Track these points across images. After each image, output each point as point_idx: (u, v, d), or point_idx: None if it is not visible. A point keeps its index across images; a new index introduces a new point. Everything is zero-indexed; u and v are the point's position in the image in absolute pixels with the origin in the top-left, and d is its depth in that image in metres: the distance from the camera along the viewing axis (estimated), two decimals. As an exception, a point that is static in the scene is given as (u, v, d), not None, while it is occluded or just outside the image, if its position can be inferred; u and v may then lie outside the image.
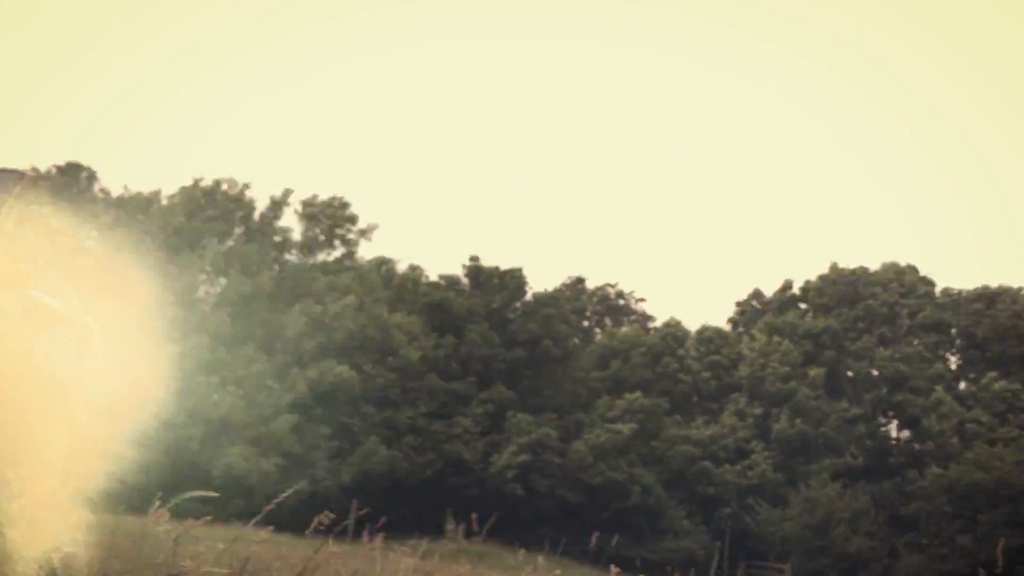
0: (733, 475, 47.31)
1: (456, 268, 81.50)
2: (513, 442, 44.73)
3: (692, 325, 57.18)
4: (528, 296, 52.45)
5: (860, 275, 56.53)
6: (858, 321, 55.13)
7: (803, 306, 58.05)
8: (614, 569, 5.97)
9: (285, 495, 3.19)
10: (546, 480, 44.88)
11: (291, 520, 5.75)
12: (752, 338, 53.65)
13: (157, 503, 3.64)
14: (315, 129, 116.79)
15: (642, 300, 71.27)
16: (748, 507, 46.87)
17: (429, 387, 45.38)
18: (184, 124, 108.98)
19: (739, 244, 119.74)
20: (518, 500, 44.17)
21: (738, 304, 61.00)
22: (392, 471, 42.06)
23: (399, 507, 41.81)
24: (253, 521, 3.42)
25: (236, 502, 40.28)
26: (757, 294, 60.31)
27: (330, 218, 48.41)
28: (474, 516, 5.21)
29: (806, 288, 58.28)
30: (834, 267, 57.67)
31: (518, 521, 42.49)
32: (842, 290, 56.25)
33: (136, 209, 46.12)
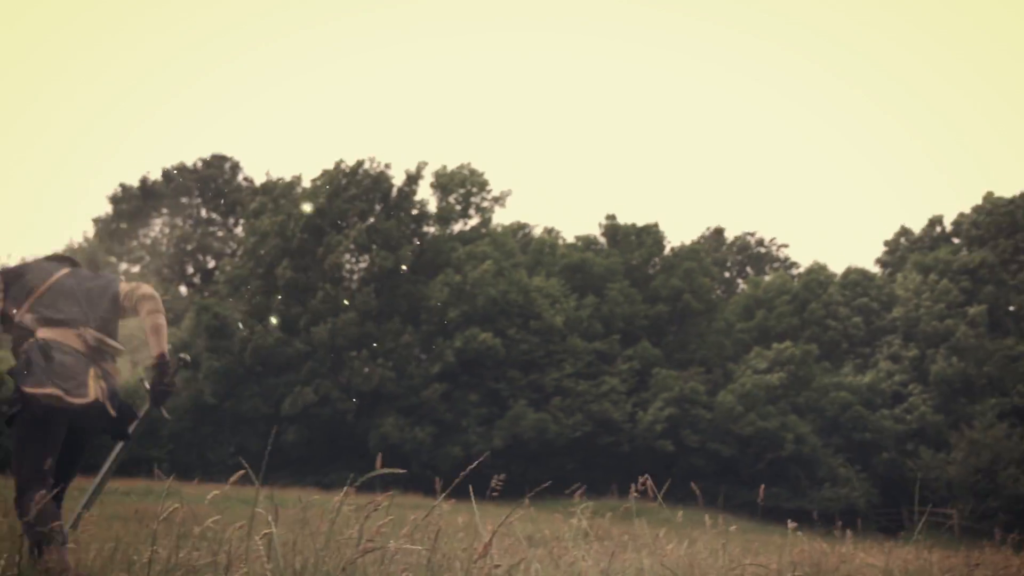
0: (890, 420, 45.89)
1: (592, 228, 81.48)
2: (659, 398, 44.55)
3: (837, 268, 55.70)
4: (667, 251, 51.96)
5: (1019, 203, 53.58)
6: (1018, 253, 52.40)
7: (956, 241, 55.62)
8: (791, 524, 5.87)
9: (472, 466, 3.31)
10: (696, 434, 44.57)
11: (445, 487, 5.89)
12: (905, 277, 51.75)
13: (349, 479, 3.84)
14: (443, 101, 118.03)
15: (784, 246, 69.85)
16: (908, 452, 45.45)
17: (573, 348, 45.57)
18: (316, 112, 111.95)
19: (880, 181, 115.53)
20: (669, 456, 44.04)
21: (886, 243, 58.96)
22: (542, 433, 42.53)
23: (551, 468, 42.34)
24: (444, 493, 3.56)
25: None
26: (905, 232, 58.12)
27: (462, 186, 48.99)
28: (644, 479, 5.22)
29: (959, 221, 55.73)
30: (989, 197, 54.88)
31: (670, 477, 42.40)
32: (999, 221, 53.49)
33: (280, 194, 47.69)
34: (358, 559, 2.89)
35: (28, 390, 4.54)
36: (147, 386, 5.05)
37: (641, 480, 4.98)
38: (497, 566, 3.12)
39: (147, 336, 4.94)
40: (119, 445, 5.38)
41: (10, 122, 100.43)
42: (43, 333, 4.71)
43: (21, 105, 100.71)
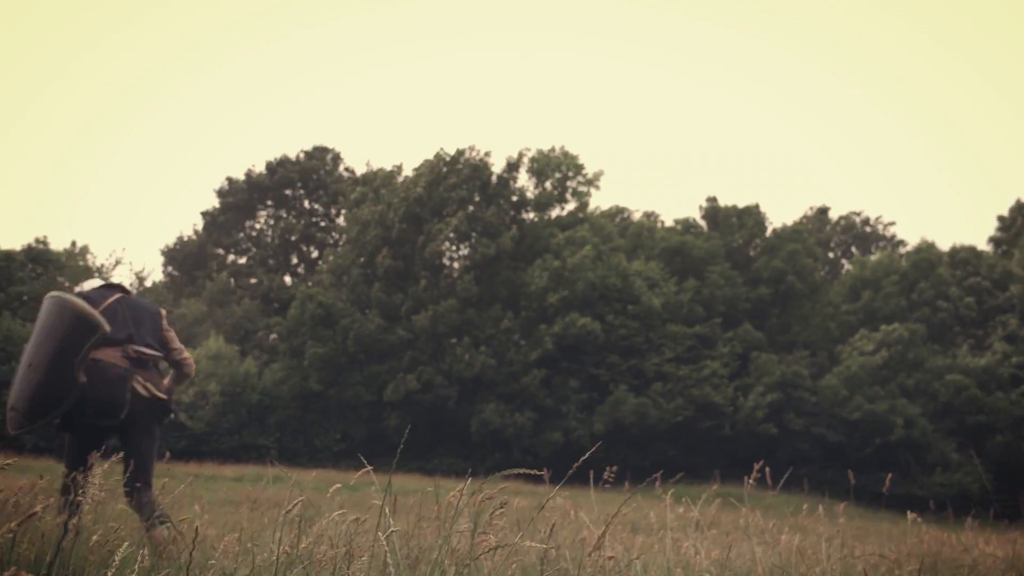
0: (1006, 403, 44.20)
1: (692, 211, 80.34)
2: (761, 383, 43.84)
3: (947, 247, 53.89)
4: (769, 232, 51.00)
5: None
6: None
7: (1074, 215, 53.13)
8: (911, 516, 5.68)
9: (584, 457, 3.26)
10: (801, 418, 43.76)
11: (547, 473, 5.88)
12: (1022, 254, 49.65)
13: (469, 475, 3.86)
14: (539, 87, 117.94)
15: (891, 224, 68.00)
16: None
17: (673, 332, 45.14)
18: (414, 101, 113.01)
19: (990, 156, 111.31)
20: (772, 440, 43.33)
21: (1000, 219, 56.74)
22: (643, 419, 42.27)
23: (653, 453, 42.10)
24: (557, 487, 3.51)
25: (495, 455, 41.98)
26: (1020, 207, 55.81)
27: (558, 170, 48.79)
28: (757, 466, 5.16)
29: (1078, 196, 53.23)
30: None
31: (775, 462, 41.70)
32: (1121, 193, 50.97)
33: (380, 184, 48.27)
34: (480, 555, 2.89)
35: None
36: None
37: (756, 467, 4.88)
38: (611, 558, 3.08)
39: (170, 379, 6.36)
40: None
41: (122, 122, 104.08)
42: (95, 353, 5.78)
43: (133, 106, 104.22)
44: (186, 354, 6.43)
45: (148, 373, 6.07)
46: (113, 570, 2.76)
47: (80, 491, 4.45)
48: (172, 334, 6.40)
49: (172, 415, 6.24)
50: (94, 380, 5.69)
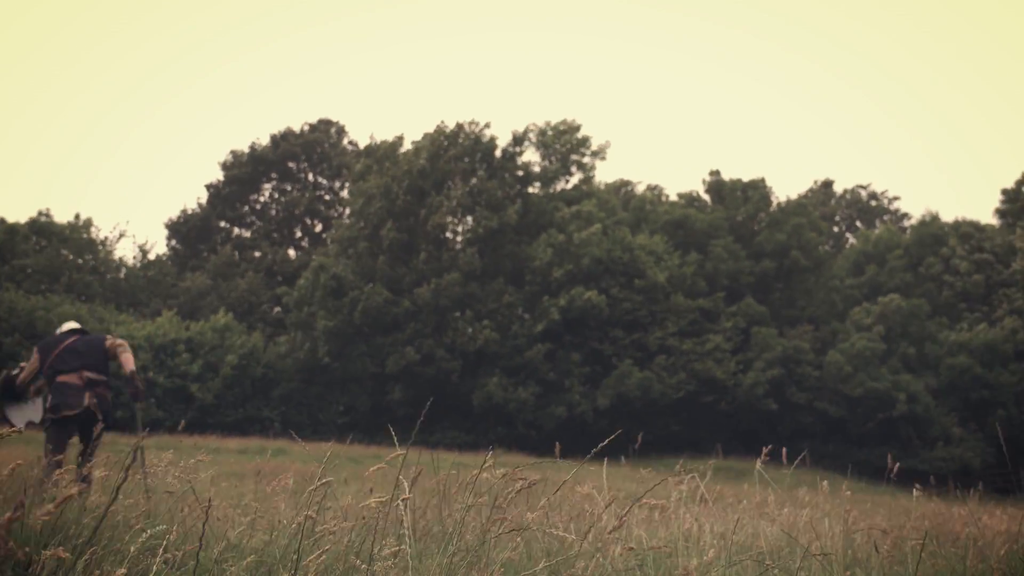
0: (1007, 375, 44.20)
1: (696, 185, 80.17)
2: (761, 358, 43.80)
3: (951, 219, 53.72)
4: (773, 206, 50.80)
5: None
6: None
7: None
8: (915, 492, 5.71)
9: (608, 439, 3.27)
10: (804, 393, 43.79)
11: (548, 447, 5.92)
12: (1024, 228, 49.45)
13: (490, 451, 3.88)
14: (544, 59, 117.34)
15: (896, 198, 67.81)
16: (1027, 411, 43.76)
17: (676, 306, 45.08)
18: (419, 73, 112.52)
19: (995, 128, 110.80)
20: (775, 414, 43.40)
21: (1004, 192, 56.48)
22: (646, 392, 42.31)
23: (656, 428, 42.20)
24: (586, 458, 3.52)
25: (498, 430, 42.09)
26: (1026, 180, 55.46)
27: (564, 144, 48.55)
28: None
29: (1084, 170, 52.94)
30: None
31: (776, 436, 41.90)
32: None
33: (383, 156, 48.03)
34: (499, 534, 2.90)
35: (50, 407, 8.71)
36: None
37: (765, 451, 4.90)
38: (618, 526, 3.09)
39: (122, 363, 9.13)
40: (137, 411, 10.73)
41: (127, 96, 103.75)
42: (60, 378, 8.83)
43: (138, 79, 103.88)
44: (118, 340, 9.21)
45: (97, 390, 8.89)
46: (137, 545, 2.78)
47: (62, 469, 5.57)
48: (111, 341, 9.18)
49: (106, 423, 8.53)
50: (61, 392, 8.66)
